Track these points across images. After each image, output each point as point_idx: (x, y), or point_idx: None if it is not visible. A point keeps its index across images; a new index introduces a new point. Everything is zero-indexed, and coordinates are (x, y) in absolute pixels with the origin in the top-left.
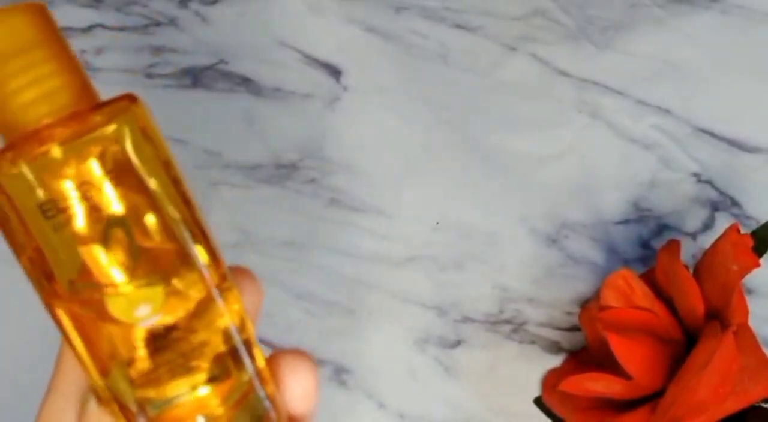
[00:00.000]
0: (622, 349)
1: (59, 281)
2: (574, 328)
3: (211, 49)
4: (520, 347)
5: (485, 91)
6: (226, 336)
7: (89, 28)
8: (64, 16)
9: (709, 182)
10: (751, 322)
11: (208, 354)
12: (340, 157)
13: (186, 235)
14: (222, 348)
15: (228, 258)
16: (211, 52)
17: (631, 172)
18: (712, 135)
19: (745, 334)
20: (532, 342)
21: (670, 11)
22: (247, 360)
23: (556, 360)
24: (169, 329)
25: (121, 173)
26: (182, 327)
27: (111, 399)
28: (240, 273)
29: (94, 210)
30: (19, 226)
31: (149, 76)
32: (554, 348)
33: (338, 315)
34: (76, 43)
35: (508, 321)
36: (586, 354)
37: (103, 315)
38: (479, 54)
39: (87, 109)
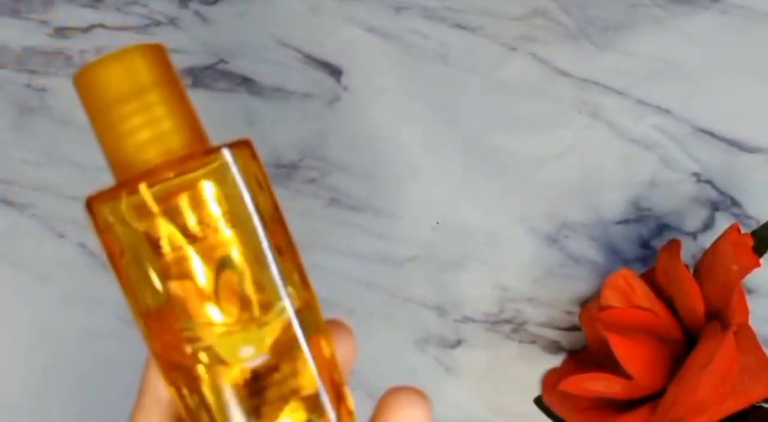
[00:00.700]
0: (622, 349)
1: (168, 320)
2: (574, 328)
3: (211, 48)
4: (520, 347)
5: (485, 91)
6: (321, 377)
7: (89, 28)
8: (64, 15)
9: (709, 182)
10: (752, 322)
11: (304, 395)
12: (340, 157)
13: (282, 281)
14: (317, 388)
15: None
16: (211, 52)
17: (631, 172)
18: (712, 135)
19: (745, 334)
20: (532, 342)
21: (670, 11)
22: (337, 403)
23: (556, 360)
24: (270, 369)
25: (230, 216)
26: (281, 369)
27: None
28: (334, 324)
29: (205, 250)
30: (130, 264)
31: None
32: (554, 347)
33: (339, 315)
34: (76, 43)
35: (508, 321)
36: (586, 353)
37: (210, 355)
38: (479, 54)
39: (199, 151)
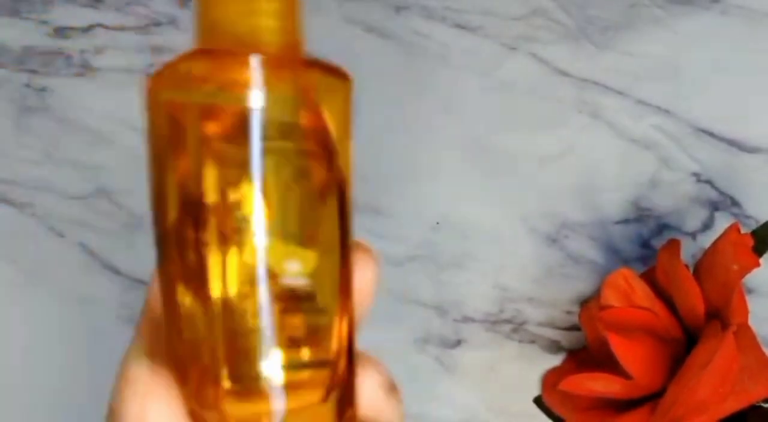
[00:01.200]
0: (622, 349)
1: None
2: (573, 328)
3: None
4: (520, 346)
5: (485, 91)
6: (347, 316)
7: (89, 28)
8: (64, 15)
9: (708, 182)
10: (751, 322)
11: (328, 332)
12: None
13: (341, 212)
14: (341, 325)
15: None
16: None
17: (631, 172)
18: (712, 135)
19: (745, 334)
20: (532, 342)
21: (670, 11)
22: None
23: (555, 360)
24: (308, 295)
25: (327, 133)
26: (319, 296)
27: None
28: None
29: (288, 153)
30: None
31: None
32: (554, 347)
33: None
34: (76, 43)
35: (508, 321)
36: (586, 353)
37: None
38: (479, 54)
39: (302, 60)
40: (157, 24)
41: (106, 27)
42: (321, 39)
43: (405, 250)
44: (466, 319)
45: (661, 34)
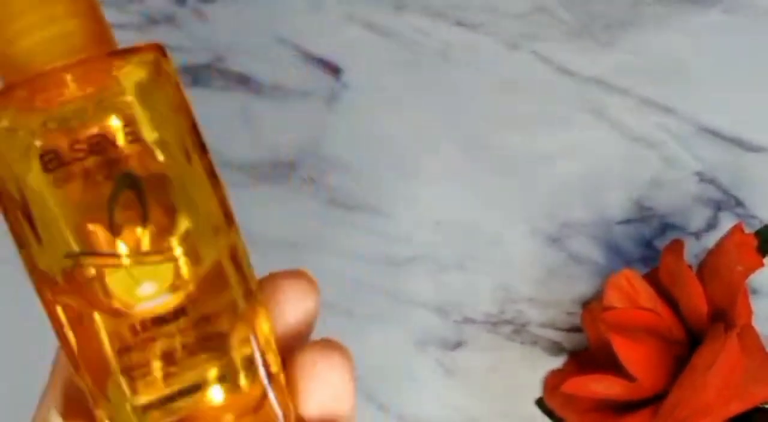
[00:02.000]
0: (625, 350)
1: (54, 253)
2: (575, 329)
3: (209, 46)
4: (521, 348)
5: (486, 89)
6: (243, 332)
7: None
8: None
9: (712, 181)
10: (755, 322)
11: (218, 347)
12: (339, 156)
13: (201, 199)
14: (237, 345)
15: None
16: (210, 50)
17: (634, 171)
18: (716, 134)
19: (749, 335)
20: (534, 343)
21: (674, 9)
22: (262, 368)
23: (557, 361)
24: (176, 313)
25: (137, 128)
26: (191, 311)
27: (103, 410)
28: (288, 275)
29: (103, 166)
30: (12, 183)
31: None
32: (556, 349)
33: (337, 317)
34: None
35: (509, 322)
36: (587, 355)
37: (103, 293)
38: (480, 52)
39: (104, 54)
40: (155, 22)
41: None
42: (321, 37)
43: (405, 250)
44: (467, 320)
45: (664, 32)
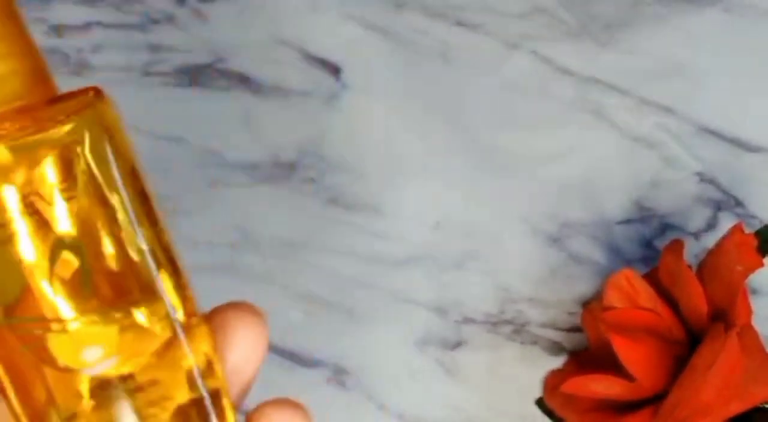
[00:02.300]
0: (625, 350)
1: None
2: (575, 329)
3: (209, 47)
4: (521, 348)
5: (486, 89)
6: (191, 385)
7: (86, 26)
8: (61, 13)
9: (712, 181)
10: (754, 322)
11: (168, 407)
12: (339, 156)
13: (150, 263)
14: (185, 399)
15: (226, 258)
16: (210, 50)
17: (633, 171)
18: (716, 134)
19: (749, 335)
20: (534, 343)
21: (673, 9)
22: (213, 416)
23: (557, 361)
24: (124, 377)
25: (75, 184)
26: (139, 375)
27: None
28: (237, 308)
29: (40, 226)
30: None
31: (147, 74)
32: (556, 348)
33: (338, 315)
34: (74, 41)
35: (509, 322)
36: (587, 355)
37: (44, 358)
38: (480, 52)
39: (41, 101)
40: (155, 22)
41: (104, 25)
42: (320, 37)
43: (405, 250)
44: (467, 320)
45: (664, 32)
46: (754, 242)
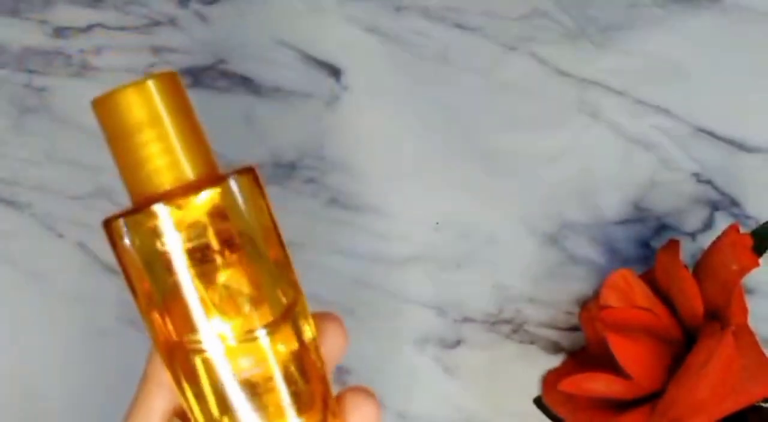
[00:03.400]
0: (621, 349)
1: (175, 328)
2: (573, 328)
3: (210, 48)
4: (519, 347)
5: (485, 91)
6: (310, 382)
7: (89, 28)
8: (64, 15)
9: (708, 182)
10: (751, 322)
11: (293, 401)
12: (339, 157)
13: (279, 293)
14: (304, 394)
15: None
16: (211, 52)
17: (630, 172)
18: (712, 135)
19: (744, 334)
20: (532, 342)
21: (670, 11)
22: (322, 404)
23: (555, 360)
24: (267, 379)
25: (233, 238)
26: (272, 377)
27: None
28: (324, 317)
29: (211, 269)
30: (144, 278)
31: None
32: (554, 348)
33: (337, 315)
34: (76, 43)
35: (507, 321)
36: (585, 354)
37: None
38: (479, 54)
39: (207, 178)
40: (157, 24)
41: (106, 27)
42: (321, 39)
43: (405, 250)
44: (466, 320)
45: (661, 34)
46: (750, 242)
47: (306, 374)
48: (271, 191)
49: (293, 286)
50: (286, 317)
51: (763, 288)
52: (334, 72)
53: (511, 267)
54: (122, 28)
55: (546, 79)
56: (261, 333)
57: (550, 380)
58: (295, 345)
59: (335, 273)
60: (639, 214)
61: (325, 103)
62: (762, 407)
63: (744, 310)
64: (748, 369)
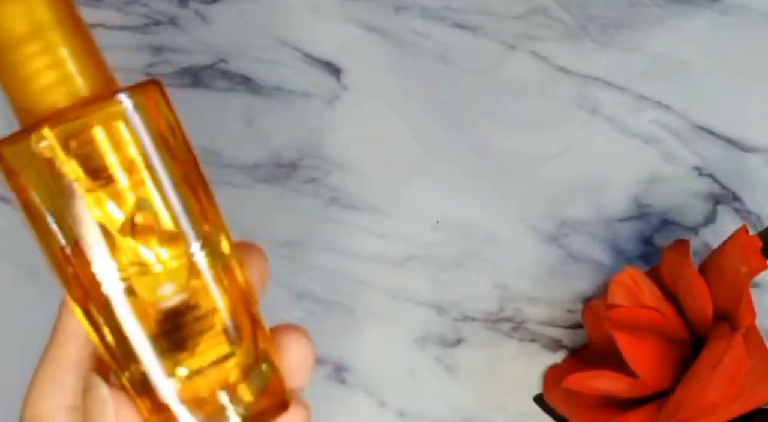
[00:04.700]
0: (629, 348)
1: (83, 261)
2: (574, 326)
3: (211, 48)
4: (520, 345)
5: (485, 90)
6: (238, 308)
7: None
8: None
9: (710, 176)
10: (758, 317)
11: (223, 328)
12: (339, 156)
13: (191, 221)
14: (235, 320)
15: None
16: (211, 52)
17: (631, 168)
18: (712, 133)
19: (753, 336)
20: (533, 341)
21: (670, 10)
22: (253, 332)
23: (556, 358)
24: (189, 307)
25: (135, 158)
26: (198, 304)
27: (131, 384)
28: (246, 246)
29: (115, 192)
30: (40, 209)
31: (149, 75)
32: (554, 346)
33: (338, 315)
34: None
35: (508, 320)
36: (587, 351)
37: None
38: (479, 53)
39: (103, 94)
40: (157, 23)
41: (106, 26)
42: (321, 38)
43: (405, 249)
44: (466, 318)
45: (661, 33)
46: (759, 244)
47: (233, 303)
48: (271, 191)
49: (210, 210)
50: (206, 242)
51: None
52: (334, 72)
53: (511, 266)
54: (122, 28)
55: (546, 77)
56: (178, 259)
57: (552, 377)
58: (218, 272)
59: (335, 273)
60: (640, 210)
61: (325, 102)
62: (767, 410)
63: (752, 312)
64: (756, 372)
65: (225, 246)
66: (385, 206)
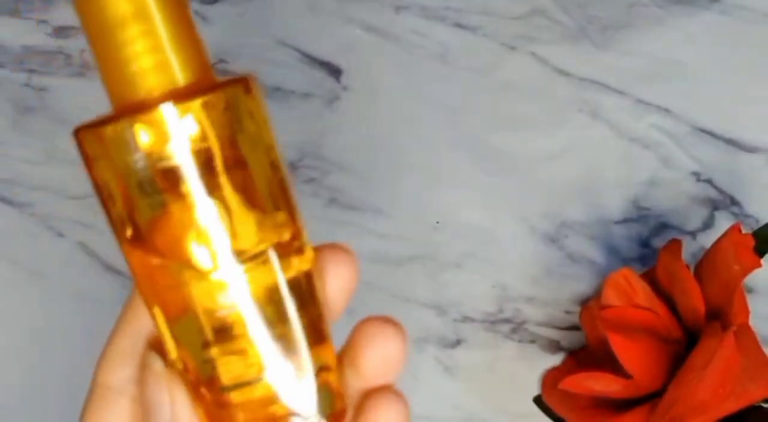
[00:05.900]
0: (622, 348)
1: (158, 253)
2: (573, 327)
3: (211, 48)
4: (519, 346)
5: (485, 91)
6: (307, 319)
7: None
8: (64, 15)
9: (708, 181)
10: (752, 321)
11: (313, 329)
12: (339, 157)
13: (282, 215)
14: (319, 321)
15: None
16: (211, 52)
17: (630, 171)
18: (712, 135)
19: (745, 334)
20: (532, 342)
21: (670, 11)
22: (320, 345)
23: (555, 360)
24: (278, 306)
25: (227, 152)
26: (289, 306)
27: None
28: (333, 248)
29: (202, 185)
30: (118, 196)
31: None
32: (554, 347)
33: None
34: (77, 44)
35: (507, 321)
36: (585, 353)
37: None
38: (479, 53)
39: (200, 85)
40: None
41: None
42: (321, 39)
43: (405, 250)
44: (466, 319)
45: (661, 34)
46: (752, 242)
47: (314, 303)
48: None
49: (295, 209)
50: (293, 240)
51: (763, 288)
52: (334, 72)
53: (510, 267)
54: None
55: (546, 78)
56: (268, 256)
57: (550, 379)
58: (299, 273)
59: None
60: (639, 213)
61: (325, 102)
62: (762, 407)
63: (745, 311)
64: (748, 370)
65: (305, 249)
66: (385, 206)
